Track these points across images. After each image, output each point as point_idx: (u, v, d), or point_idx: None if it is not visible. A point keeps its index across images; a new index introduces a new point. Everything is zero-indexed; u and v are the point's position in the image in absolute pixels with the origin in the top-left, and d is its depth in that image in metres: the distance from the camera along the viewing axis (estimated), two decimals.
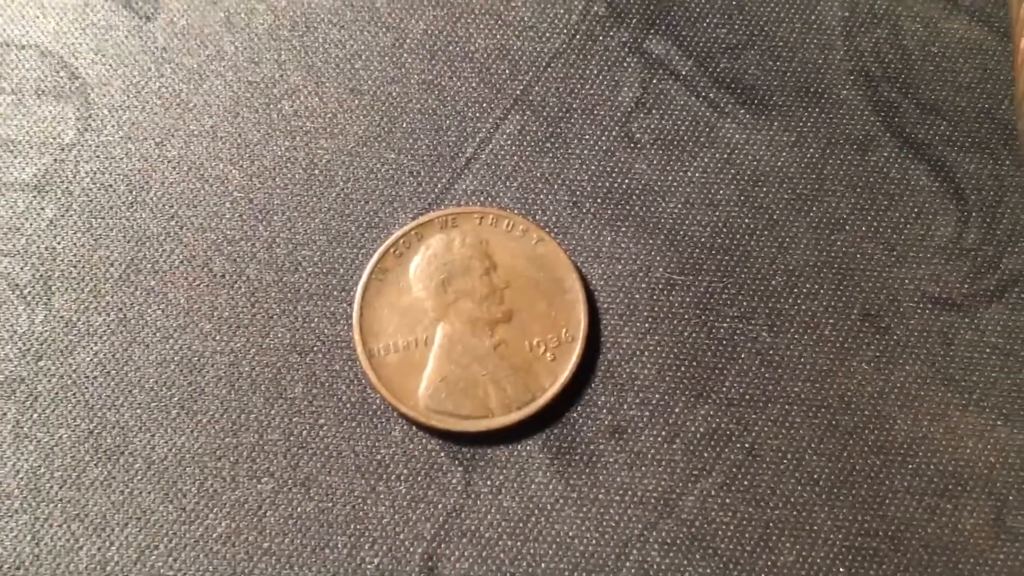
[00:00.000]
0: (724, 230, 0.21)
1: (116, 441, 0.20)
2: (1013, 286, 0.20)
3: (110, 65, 0.22)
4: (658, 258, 0.21)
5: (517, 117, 0.22)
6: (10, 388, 0.20)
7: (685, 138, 0.22)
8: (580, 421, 0.20)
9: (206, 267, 0.21)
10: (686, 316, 0.20)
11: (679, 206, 0.21)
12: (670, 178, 0.21)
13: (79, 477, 0.19)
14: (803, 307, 0.20)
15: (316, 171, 0.21)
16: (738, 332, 0.20)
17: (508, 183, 0.21)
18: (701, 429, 0.20)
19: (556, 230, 0.21)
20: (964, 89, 0.22)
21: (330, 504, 0.19)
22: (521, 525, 0.19)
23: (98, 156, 0.21)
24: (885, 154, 0.21)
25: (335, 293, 0.21)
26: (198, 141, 0.22)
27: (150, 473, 0.19)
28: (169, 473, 0.19)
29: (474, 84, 0.22)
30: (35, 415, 0.20)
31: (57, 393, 0.20)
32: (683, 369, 0.20)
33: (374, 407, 0.20)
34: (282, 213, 0.21)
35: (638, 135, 0.22)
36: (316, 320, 0.20)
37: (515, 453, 0.19)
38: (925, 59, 0.22)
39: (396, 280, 0.20)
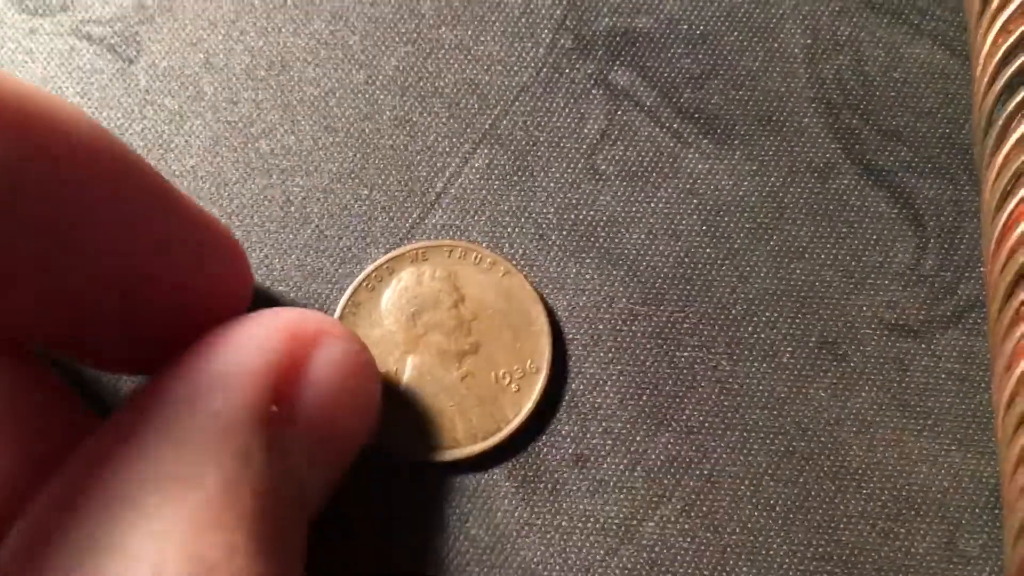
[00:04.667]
0: (686, 260, 0.21)
1: None
2: (970, 312, 0.21)
3: (95, 108, 0.23)
4: (621, 289, 0.21)
5: (485, 151, 0.22)
6: None
7: (649, 169, 0.22)
8: (545, 450, 0.20)
9: None
10: (648, 346, 0.21)
11: (642, 237, 0.22)
12: (634, 209, 0.22)
13: None
14: (762, 335, 0.21)
15: (292, 208, 0.22)
16: (698, 361, 0.21)
17: (477, 217, 0.22)
18: (662, 457, 0.20)
19: (523, 262, 0.22)
20: (925, 115, 0.22)
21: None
22: (487, 552, 0.20)
23: None
24: (845, 181, 0.22)
25: None
26: (179, 181, 0.22)
27: None
28: None
29: (444, 119, 0.23)
30: None
31: None
32: (644, 398, 0.21)
33: None
34: (259, 250, 0.22)
35: (603, 167, 0.22)
36: None
37: (481, 482, 0.20)
38: (887, 85, 0.22)
39: (368, 313, 0.21)
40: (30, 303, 0.15)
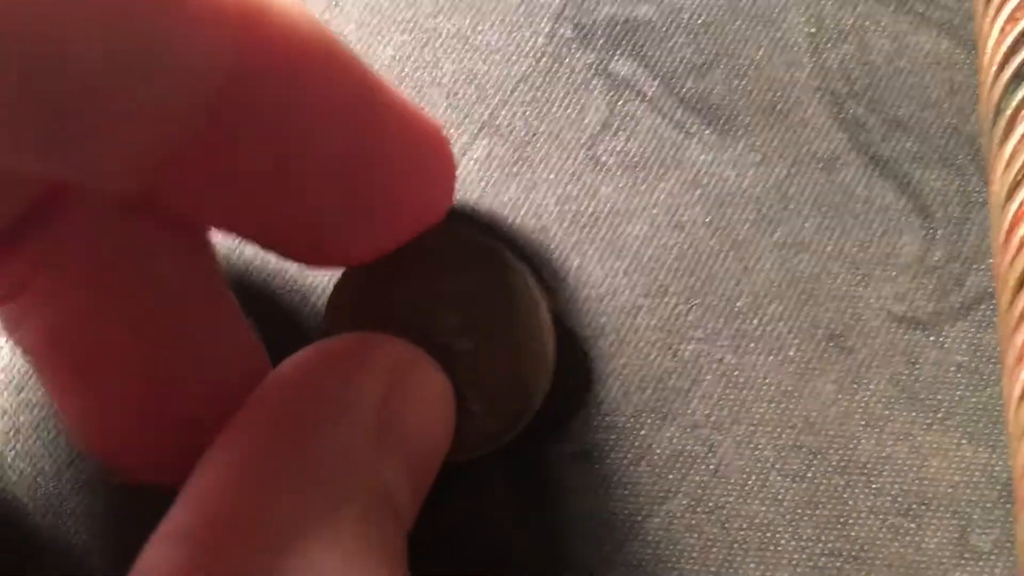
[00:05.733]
0: (689, 252, 0.21)
1: (96, 472, 0.20)
2: (979, 304, 0.20)
3: None
4: (624, 281, 0.21)
5: (484, 142, 0.22)
6: None
7: (651, 160, 0.22)
8: (546, 446, 0.20)
9: None
10: (651, 339, 0.21)
11: (645, 229, 0.21)
12: (636, 201, 0.21)
13: (61, 506, 0.20)
14: (768, 328, 0.20)
15: None
16: (703, 354, 0.20)
17: (476, 209, 0.22)
18: (667, 451, 0.20)
19: (523, 256, 0.21)
20: (931, 104, 0.22)
21: None
22: (488, 551, 0.19)
23: None
24: (851, 172, 0.21)
25: (309, 320, 0.21)
26: None
27: (131, 502, 0.20)
28: (149, 503, 0.20)
29: (441, 109, 0.22)
30: (17, 446, 0.20)
31: (39, 424, 0.20)
32: (648, 392, 0.20)
33: None
34: None
35: (604, 158, 0.22)
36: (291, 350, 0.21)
37: (481, 479, 0.20)
38: (892, 74, 0.22)
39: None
40: (256, 202, 0.16)
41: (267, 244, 0.18)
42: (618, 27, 0.23)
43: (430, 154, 0.17)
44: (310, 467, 0.15)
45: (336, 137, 0.16)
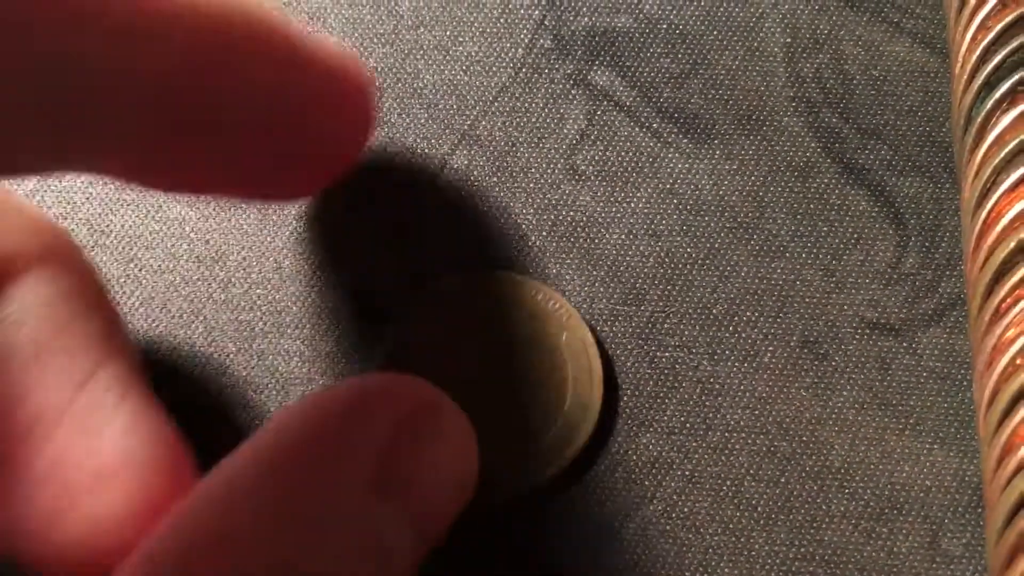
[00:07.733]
0: (666, 260, 0.21)
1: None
2: (951, 310, 0.21)
3: None
4: (601, 289, 0.21)
5: (464, 152, 0.22)
6: None
7: (629, 169, 0.22)
8: None
9: (164, 308, 0.21)
10: (628, 346, 0.21)
11: (622, 237, 0.22)
12: (613, 209, 0.22)
13: None
14: (743, 335, 0.21)
15: (270, 210, 0.22)
16: (679, 361, 0.21)
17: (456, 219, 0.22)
18: (642, 458, 0.20)
19: (503, 265, 0.21)
20: (905, 113, 0.22)
21: None
22: (467, 557, 0.20)
23: (60, 201, 0.22)
24: (825, 180, 0.22)
25: (288, 331, 0.21)
26: None
27: None
28: None
29: (423, 120, 0.23)
30: None
31: None
32: (625, 399, 0.20)
33: None
34: (237, 253, 0.22)
35: (583, 167, 0.22)
36: (271, 358, 0.21)
37: None
38: (867, 83, 0.22)
39: None
40: (201, 157, 0.17)
41: (219, 192, 0.20)
42: (597, 38, 0.23)
43: (349, 96, 0.19)
44: (296, 511, 0.16)
45: (264, 96, 0.17)
